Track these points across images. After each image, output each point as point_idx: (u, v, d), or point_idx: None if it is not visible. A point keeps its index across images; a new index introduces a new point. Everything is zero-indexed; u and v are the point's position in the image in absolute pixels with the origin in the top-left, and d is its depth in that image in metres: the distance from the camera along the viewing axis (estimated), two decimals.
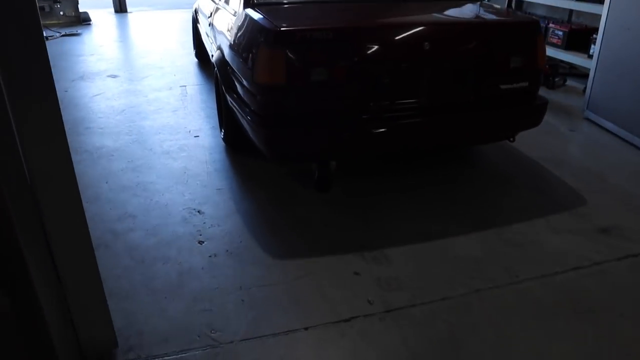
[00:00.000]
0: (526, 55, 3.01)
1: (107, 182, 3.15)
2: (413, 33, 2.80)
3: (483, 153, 3.67)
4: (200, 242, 2.56)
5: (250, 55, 2.75)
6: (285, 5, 3.24)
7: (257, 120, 2.71)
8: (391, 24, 2.96)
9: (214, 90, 4.15)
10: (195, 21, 5.67)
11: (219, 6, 3.85)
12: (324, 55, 2.64)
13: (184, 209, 2.85)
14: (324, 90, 2.68)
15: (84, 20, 8.99)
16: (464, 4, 3.52)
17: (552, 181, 3.29)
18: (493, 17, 3.41)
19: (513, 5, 5.55)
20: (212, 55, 3.81)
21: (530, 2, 6.37)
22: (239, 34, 3.05)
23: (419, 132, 2.93)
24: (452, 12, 3.36)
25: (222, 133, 3.66)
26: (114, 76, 5.50)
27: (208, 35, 4.31)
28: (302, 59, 2.59)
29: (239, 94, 2.97)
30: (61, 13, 8.97)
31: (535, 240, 2.66)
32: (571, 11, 5.88)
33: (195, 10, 5.51)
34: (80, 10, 9.11)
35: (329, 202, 2.98)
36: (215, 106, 4.06)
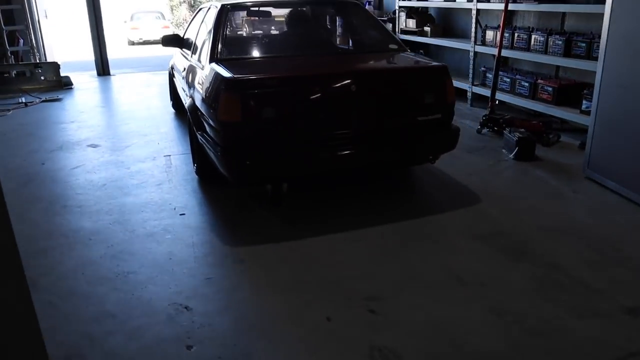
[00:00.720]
0: (438, 93, 3.71)
1: (83, 273, 2.86)
2: (342, 79, 3.50)
3: (495, 223, 3.46)
4: (189, 347, 2.27)
5: (214, 98, 3.42)
6: (241, 60, 4.00)
7: (221, 151, 3.33)
8: (325, 73, 3.66)
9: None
10: (171, 76, 6.32)
11: (190, 62, 4.55)
12: (271, 98, 3.33)
13: (169, 305, 2.56)
14: (272, 125, 3.33)
15: (65, 84, 8.84)
16: (389, 55, 4.29)
17: (564, 253, 3.07)
18: (410, 64, 4.18)
19: (498, 61, 5.52)
20: (185, 103, 4.47)
21: (516, 59, 6.36)
22: (205, 83, 3.71)
23: (352, 156, 3.53)
24: (377, 61, 4.29)
25: (195, 167, 4.27)
26: (95, 146, 5.27)
27: (182, 87, 5.00)
28: (253, 101, 3.27)
29: (207, 132, 3.63)
30: (42, 78, 8.83)
31: (560, 328, 2.41)
32: (558, 67, 5.85)
33: (172, 67, 6.17)
34: (62, 74, 8.98)
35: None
36: (196, 178, 3.90)
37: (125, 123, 6.25)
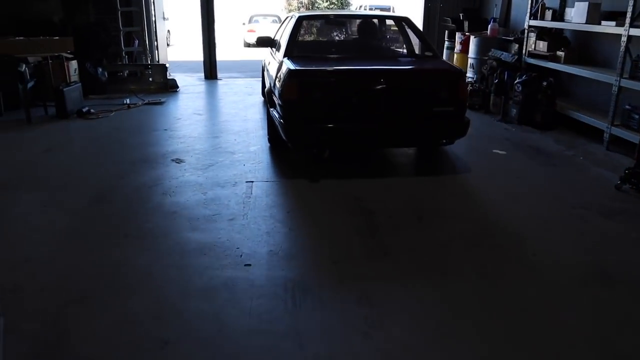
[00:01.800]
0: (451, 91, 4.62)
1: (117, 339, 2.42)
2: (375, 74, 4.63)
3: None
4: None
5: (281, 83, 4.59)
6: (305, 57, 5.24)
7: (283, 121, 4.53)
8: (361, 69, 4.86)
9: (286, 193, 4.33)
10: (263, 70, 7.26)
11: (273, 57, 5.80)
12: (320, 85, 4.49)
13: None
14: (319, 104, 4.47)
15: (171, 87, 8.83)
16: (422, 59, 5.59)
17: None
18: (432, 66, 5.30)
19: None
20: (266, 87, 5.91)
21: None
22: (278, 72, 4.90)
23: (379, 133, 4.61)
24: (407, 64, 5.60)
25: (267, 136, 5.50)
26: (179, 161, 4.97)
27: (265, 76, 6.38)
28: (307, 86, 4.44)
29: (275, 108, 4.82)
30: (150, 79, 8.86)
31: None
32: None
33: (263, 62, 7.27)
34: (171, 76, 9.01)
35: None
36: (272, 215, 3.39)
37: (216, 136, 5.93)
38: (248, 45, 21.69)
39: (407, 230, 3.57)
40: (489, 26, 8.54)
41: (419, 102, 4.63)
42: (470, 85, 8.03)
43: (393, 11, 23.40)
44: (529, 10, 7.47)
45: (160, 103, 7.73)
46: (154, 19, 10.09)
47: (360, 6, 23.78)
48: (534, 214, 3.91)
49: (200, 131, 6.21)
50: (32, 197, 4.05)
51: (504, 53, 7.96)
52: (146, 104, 7.68)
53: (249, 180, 4.45)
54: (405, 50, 6.05)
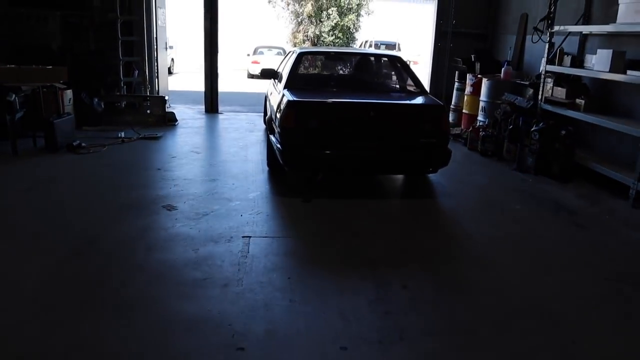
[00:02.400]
0: (435, 124, 5.14)
1: None
2: (364, 107, 5.13)
3: None
4: None
5: (281, 111, 5.07)
6: (303, 88, 5.62)
7: (280, 147, 4.95)
8: (352, 101, 5.33)
9: (287, 253, 3.82)
10: (265, 99, 7.83)
11: (274, 88, 6.30)
12: (314, 115, 4.97)
13: None
14: (314, 132, 4.92)
15: (169, 120, 8.46)
16: (410, 94, 6.03)
17: None
18: (417, 102, 5.65)
19: None
20: (267, 115, 6.56)
21: None
22: (278, 102, 5.34)
23: (367, 161, 5.08)
24: (395, 98, 5.99)
25: (267, 160, 5.81)
26: (171, 208, 4.53)
27: (268, 106, 6.94)
28: (303, 115, 4.93)
29: (274, 134, 5.25)
30: (148, 111, 8.50)
31: None
32: None
33: (266, 94, 7.80)
34: (172, 107, 8.66)
35: None
36: (270, 282, 2.93)
37: (213, 178, 5.51)
38: (252, 76, 21.52)
39: (425, 309, 3.11)
40: (503, 69, 8.23)
41: (404, 133, 5.11)
42: (481, 129, 7.67)
43: (399, 48, 23.36)
44: (545, 55, 7.15)
45: (157, 138, 7.34)
46: (155, 48, 9.80)
47: (365, 42, 23.73)
48: (565, 287, 3.46)
49: (196, 172, 5.79)
50: None
51: (518, 98, 7.63)
52: (141, 138, 7.28)
53: (246, 234, 4.00)
54: (397, 86, 6.62)
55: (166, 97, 8.63)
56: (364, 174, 5.84)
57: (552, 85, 7.08)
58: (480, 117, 8.35)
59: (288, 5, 24.95)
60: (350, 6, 24.16)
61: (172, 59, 24.09)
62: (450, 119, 9.67)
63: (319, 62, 8.55)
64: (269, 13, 26.41)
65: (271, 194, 5.05)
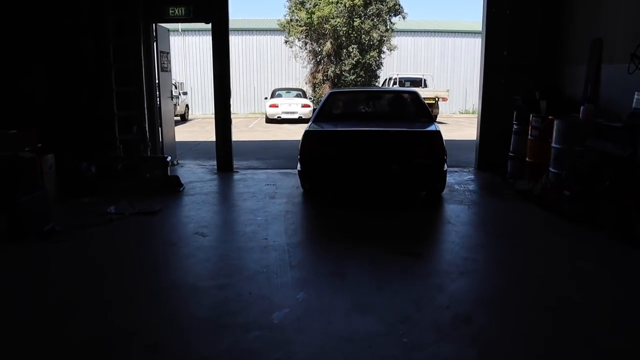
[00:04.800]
0: (430, 147, 6.06)
1: None
2: (370, 135, 6.17)
3: None
4: None
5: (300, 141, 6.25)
6: (326, 122, 6.88)
7: (299, 169, 6.24)
8: (360, 131, 6.37)
9: None
10: None
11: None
12: (326, 143, 6.20)
13: None
14: (325, 158, 6.01)
15: (172, 185, 6.98)
16: (417, 123, 6.90)
17: None
18: (416, 128, 6.62)
19: None
20: None
21: None
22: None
23: (371, 180, 6.06)
24: (400, 126, 6.57)
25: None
26: (151, 348, 2.95)
27: None
28: (315, 142, 6.17)
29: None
30: (147, 175, 7.05)
31: None
32: None
33: None
34: (177, 167, 7.27)
35: None
36: None
37: (221, 284, 3.92)
38: (270, 120, 20.23)
39: None
40: (582, 108, 6.62)
41: (403, 156, 5.95)
42: (564, 186, 6.00)
43: (425, 84, 21.99)
44: None
45: (154, 213, 5.83)
46: (157, 98, 8.46)
47: (389, 79, 22.39)
48: None
49: (199, 273, 4.21)
50: None
51: (609, 144, 5.99)
52: (135, 213, 5.79)
53: None
54: (410, 116, 7.31)
55: (168, 158, 7.19)
56: (369, 191, 6.53)
57: None
58: (552, 168, 6.71)
59: (306, 44, 23.85)
60: (372, 42, 22.93)
61: (187, 105, 23.04)
62: (509, 168, 8.07)
63: (348, 99, 8.75)
64: (285, 54, 25.39)
65: (308, 312, 3.43)
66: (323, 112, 7.06)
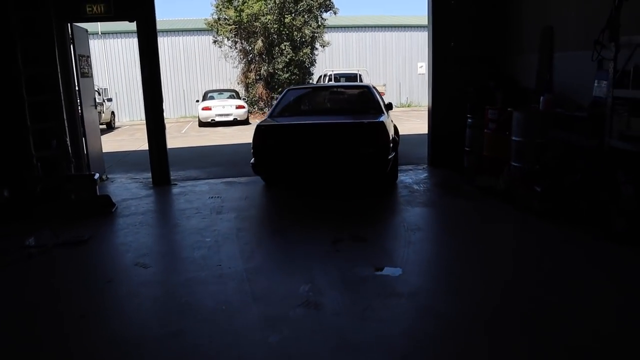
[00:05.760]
0: (372, 137, 6.37)
1: None
2: (316, 127, 6.61)
3: None
4: None
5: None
6: (279, 117, 7.31)
7: (252, 162, 6.56)
8: (308, 124, 6.79)
9: None
10: None
11: None
12: (273, 137, 6.57)
13: None
14: (273, 148, 6.43)
15: (101, 206, 6.12)
16: (365, 115, 7.05)
17: None
18: (361, 120, 6.70)
19: None
20: None
21: None
22: None
23: (318, 169, 6.51)
24: (347, 118, 6.97)
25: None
26: None
27: None
28: (265, 135, 6.50)
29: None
30: (72, 197, 6.15)
31: None
32: None
33: None
34: (106, 182, 6.35)
35: None
36: None
37: (174, 330, 3.21)
38: (204, 124, 19.28)
39: None
40: (542, 98, 6.33)
41: (347, 146, 6.28)
42: (531, 182, 5.68)
43: (360, 79, 21.70)
44: (611, 75, 5.27)
45: (82, 243, 4.99)
46: (78, 108, 7.51)
47: (324, 75, 21.96)
48: None
49: (144, 318, 3.47)
50: None
51: (574, 135, 5.75)
52: (60, 244, 4.92)
53: None
54: (361, 108, 7.56)
55: (96, 175, 6.30)
56: (317, 179, 7.08)
57: (627, 115, 5.19)
58: (513, 162, 6.41)
59: (236, 44, 22.96)
60: (304, 39, 22.38)
61: (113, 112, 21.63)
62: (465, 164, 7.74)
63: (304, 95, 8.85)
64: (214, 54, 24.39)
65: None
66: (278, 108, 7.56)
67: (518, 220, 5.37)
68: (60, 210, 5.97)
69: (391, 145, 6.53)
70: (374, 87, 8.18)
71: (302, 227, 5.35)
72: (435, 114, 8.35)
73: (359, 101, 7.92)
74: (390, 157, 6.41)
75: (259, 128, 6.57)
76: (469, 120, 7.65)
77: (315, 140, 6.37)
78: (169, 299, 3.73)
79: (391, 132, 6.85)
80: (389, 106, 7.91)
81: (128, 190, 7.22)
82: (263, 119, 7.23)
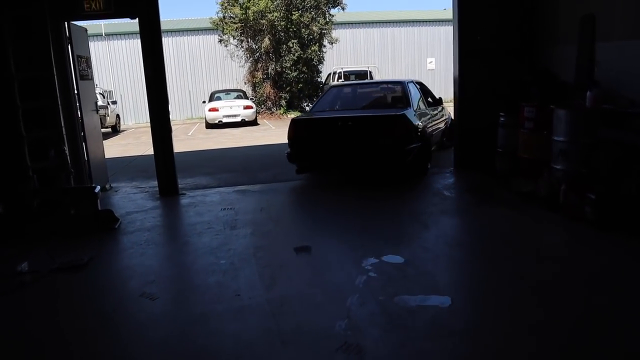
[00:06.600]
0: (390, 129, 6.85)
1: None
2: (344, 121, 7.06)
3: None
4: None
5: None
6: (317, 112, 8.28)
7: (287, 152, 7.36)
8: (334, 117, 7.44)
9: None
10: None
11: None
12: (305, 128, 7.38)
13: None
14: (304, 139, 7.17)
15: (104, 222, 5.55)
16: (392, 109, 7.67)
17: None
18: (385, 114, 7.36)
19: None
20: None
21: None
22: None
23: (345, 158, 7.02)
24: (374, 112, 7.66)
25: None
26: None
27: None
28: (297, 128, 7.27)
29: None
30: (72, 211, 5.59)
31: None
32: None
33: None
34: (110, 192, 5.82)
35: None
36: None
37: None
38: (211, 126, 18.73)
39: None
40: (589, 94, 5.70)
41: (368, 137, 6.85)
42: (583, 189, 5.04)
43: (370, 77, 21.08)
44: None
45: (81, 267, 4.41)
46: (78, 115, 6.95)
47: (334, 73, 21.35)
48: None
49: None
50: None
51: (630, 134, 5.13)
52: (55, 269, 4.36)
53: None
54: (391, 103, 8.16)
55: (97, 188, 5.71)
56: (344, 169, 7.65)
57: None
58: (556, 165, 5.79)
59: (242, 42, 22.37)
60: (312, 36, 21.76)
61: (118, 115, 21.12)
62: (498, 166, 7.12)
63: (345, 92, 9.39)
64: (220, 53, 23.84)
65: None
66: (319, 103, 8.55)
67: (572, 233, 4.75)
68: (58, 227, 5.42)
69: (413, 137, 6.93)
70: (416, 83, 8.75)
71: (326, 244, 4.76)
72: (462, 113, 7.72)
73: (391, 96, 8.36)
74: (409, 147, 6.78)
75: (293, 122, 7.40)
76: (502, 119, 7.02)
77: (339, 132, 6.92)
78: (180, 341, 3.14)
79: (419, 125, 7.31)
80: (439, 101, 9.23)
81: (133, 202, 6.65)
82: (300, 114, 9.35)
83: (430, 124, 8.12)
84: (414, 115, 7.35)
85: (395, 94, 8.25)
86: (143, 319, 3.46)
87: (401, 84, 8.34)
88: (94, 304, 3.76)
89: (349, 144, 6.82)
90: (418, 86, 8.65)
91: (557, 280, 3.72)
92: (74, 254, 4.64)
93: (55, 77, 6.23)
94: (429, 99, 9.10)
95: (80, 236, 5.21)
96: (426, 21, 27.94)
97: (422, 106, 8.12)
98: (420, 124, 7.32)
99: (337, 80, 20.55)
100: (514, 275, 3.86)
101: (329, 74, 22.05)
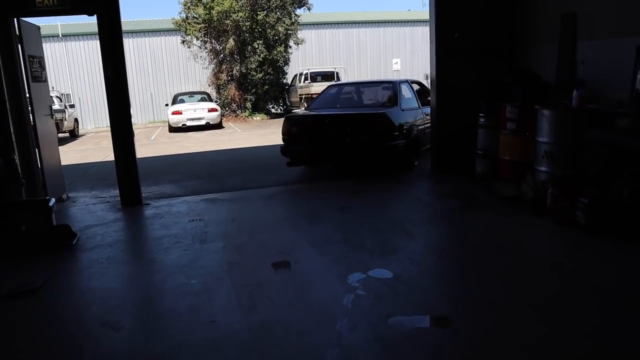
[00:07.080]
0: (373, 126, 7.33)
1: None
2: (332, 118, 7.86)
3: None
4: None
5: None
6: (311, 110, 8.86)
7: (281, 147, 8.03)
8: (322, 115, 8.00)
9: None
10: None
11: None
12: (298, 126, 7.90)
13: None
14: (295, 135, 7.79)
15: (61, 237, 5.04)
16: (379, 107, 8.24)
17: None
18: (369, 112, 8.07)
19: None
20: None
21: None
22: None
23: (331, 153, 7.61)
24: (362, 110, 8.45)
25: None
26: None
27: None
28: (290, 124, 7.94)
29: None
30: (23, 227, 5.05)
31: None
32: None
33: None
34: (67, 202, 5.30)
35: None
36: None
37: None
38: (175, 129, 18.12)
39: None
40: (575, 93, 5.52)
41: (352, 133, 7.29)
42: (574, 193, 4.82)
43: (337, 77, 20.84)
44: None
45: (34, 292, 3.92)
46: (30, 120, 6.39)
47: (300, 74, 21.01)
48: None
49: None
50: None
51: (617, 135, 4.95)
52: (5, 295, 3.86)
53: None
54: (379, 102, 8.60)
55: (52, 201, 5.19)
56: (329, 163, 8.26)
57: None
58: (542, 168, 5.58)
59: (205, 43, 21.79)
60: (278, 37, 21.36)
61: (76, 119, 20.24)
62: (478, 169, 6.90)
63: (340, 91, 9.68)
64: (183, 55, 23.19)
65: None
66: (315, 102, 9.20)
67: (566, 240, 4.52)
68: (7, 245, 4.88)
69: (395, 134, 7.34)
70: (414, 83, 9.28)
71: (307, 257, 4.39)
72: (439, 114, 7.47)
73: (382, 95, 8.70)
74: (392, 144, 7.23)
75: (286, 118, 8.16)
76: (481, 120, 6.80)
77: (326, 129, 7.52)
78: None
79: (406, 122, 7.76)
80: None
81: (92, 214, 6.13)
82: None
83: (421, 123, 8.31)
84: (400, 113, 7.79)
85: (386, 93, 8.58)
86: (104, 355, 3.01)
87: (393, 83, 8.71)
88: (46, 340, 3.27)
89: (335, 140, 7.37)
90: (415, 86, 9.14)
91: (557, 290, 3.45)
92: (25, 276, 4.14)
93: (3, 79, 5.67)
94: (429, 99, 8.85)
95: (33, 255, 4.69)
96: (391, 22, 27.89)
97: (413, 105, 8.45)
98: (407, 121, 7.79)
99: (304, 82, 20.22)
100: (511, 289, 3.57)
101: (295, 75, 21.70)
